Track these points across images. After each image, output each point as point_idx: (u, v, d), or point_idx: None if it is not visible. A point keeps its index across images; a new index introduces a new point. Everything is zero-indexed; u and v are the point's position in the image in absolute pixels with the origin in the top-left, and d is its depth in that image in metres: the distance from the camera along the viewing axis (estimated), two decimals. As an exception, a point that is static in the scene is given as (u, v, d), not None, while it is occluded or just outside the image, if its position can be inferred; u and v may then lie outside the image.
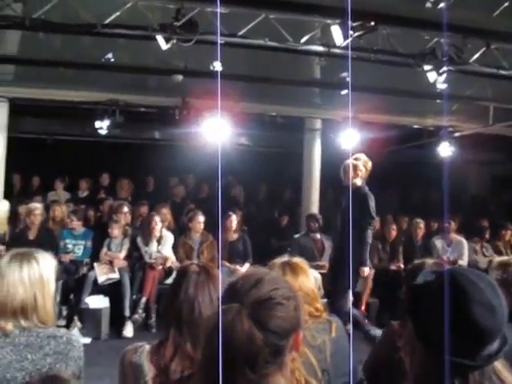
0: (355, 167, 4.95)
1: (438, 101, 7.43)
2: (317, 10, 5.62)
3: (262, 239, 8.49)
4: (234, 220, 6.92)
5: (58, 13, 5.39)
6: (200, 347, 1.13)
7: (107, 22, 5.08)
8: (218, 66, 6.92)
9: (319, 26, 5.97)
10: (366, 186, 5.06)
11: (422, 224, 7.65)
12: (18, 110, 7.68)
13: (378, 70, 6.47)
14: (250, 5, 5.42)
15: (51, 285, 1.96)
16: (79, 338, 2.08)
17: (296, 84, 7.71)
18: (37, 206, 6.62)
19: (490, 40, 5.61)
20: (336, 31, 5.33)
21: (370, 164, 5.08)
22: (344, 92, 7.52)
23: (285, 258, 2.18)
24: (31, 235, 6.34)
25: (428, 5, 4.98)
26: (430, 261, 2.33)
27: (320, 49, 6.00)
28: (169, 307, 1.68)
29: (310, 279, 2.10)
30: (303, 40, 5.79)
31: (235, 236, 6.86)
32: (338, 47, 5.44)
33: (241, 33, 5.31)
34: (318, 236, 7.21)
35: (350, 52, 5.06)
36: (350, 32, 4.94)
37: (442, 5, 4.84)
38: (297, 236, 7.46)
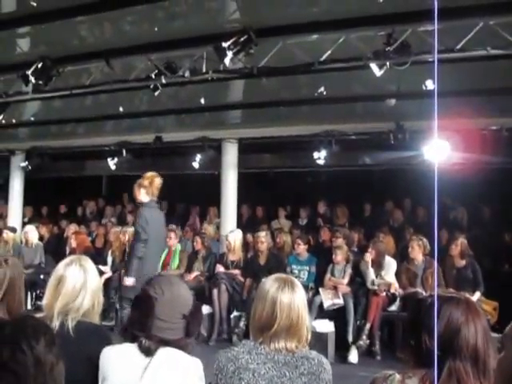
0: (139, 185, 5.25)
1: None
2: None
3: (491, 265, 7.73)
4: (459, 244, 6.46)
5: (276, 57, 5.93)
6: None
7: (323, 58, 5.36)
8: (430, 84, 6.69)
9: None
10: (154, 202, 5.37)
11: None
12: (244, 148, 8.59)
13: None
14: (466, 15, 5.13)
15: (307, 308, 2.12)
16: (328, 362, 2.17)
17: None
18: (262, 234, 7.22)
19: None
20: None
21: (157, 180, 5.27)
22: None
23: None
24: (261, 261, 6.93)
25: None
26: None
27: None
28: (451, 339, 1.60)
29: None
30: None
31: (463, 262, 6.38)
32: None
33: (459, 46, 5.04)
34: None
35: None
36: None
37: None
38: (536, 262, 6.58)
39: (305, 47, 5.79)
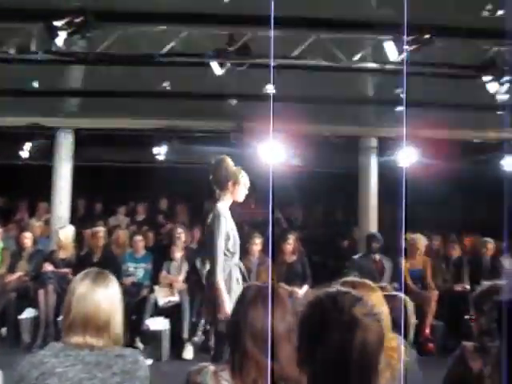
0: None
1: (499, 113, 7.15)
2: (369, 27, 5.59)
3: (320, 260, 8.38)
4: (292, 241, 6.86)
5: (118, 46, 5.65)
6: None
7: (164, 51, 5.25)
8: (270, 88, 7.01)
9: (371, 43, 5.94)
10: None
11: (489, 243, 7.26)
12: (82, 139, 8.05)
13: (434, 85, 6.32)
14: (301, 26, 5.47)
15: (121, 306, 2.01)
16: (144, 359, 2.09)
17: (349, 103, 7.65)
18: (99, 229, 6.88)
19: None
20: (390, 47, 5.27)
21: None
22: (399, 108, 7.39)
23: (354, 278, 2.12)
24: (95, 258, 6.56)
25: (485, 13, 4.83)
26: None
27: (373, 66, 5.96)
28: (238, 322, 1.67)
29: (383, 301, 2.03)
30: (356, 58, 5.76)
31: (293, 257, 6.79)
32: (393, 63, 5.37)
33: (293, 54, 5.34)
34: (378, 257, 7.04)
35: (405, 67, 4.96)
36: (406, 46, 4.85)
37: (499, 12, 4.68)
38: (356, 257, 7.29)
39: (147, 38, 5.62)
